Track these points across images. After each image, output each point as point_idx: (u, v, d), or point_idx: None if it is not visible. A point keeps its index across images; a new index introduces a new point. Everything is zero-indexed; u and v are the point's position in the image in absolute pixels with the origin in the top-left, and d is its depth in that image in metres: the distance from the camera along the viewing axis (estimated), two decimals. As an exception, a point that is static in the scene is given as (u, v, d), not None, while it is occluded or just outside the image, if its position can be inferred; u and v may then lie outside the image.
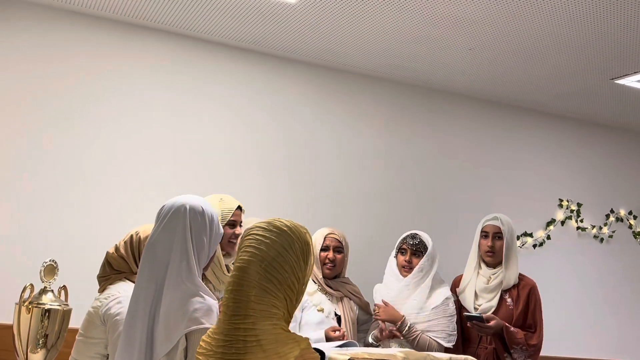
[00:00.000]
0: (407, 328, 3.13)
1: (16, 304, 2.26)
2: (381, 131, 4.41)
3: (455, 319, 3.27)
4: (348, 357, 2.17)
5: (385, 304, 3.20)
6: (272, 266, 1.65)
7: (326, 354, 2.23)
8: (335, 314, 3.06)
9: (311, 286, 3.09)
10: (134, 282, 2.30)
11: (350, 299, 3.20)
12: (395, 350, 2.39)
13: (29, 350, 2.20)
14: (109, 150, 3.67)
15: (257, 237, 1.69)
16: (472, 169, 4.63)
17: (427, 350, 3.02)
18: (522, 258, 4.53)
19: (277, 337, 1.59)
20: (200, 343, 1.68)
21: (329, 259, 3.21)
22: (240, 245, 1.72)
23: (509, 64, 3.97)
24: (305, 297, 3.00)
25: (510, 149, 4.76)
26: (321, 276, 3.15)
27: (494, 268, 3.45)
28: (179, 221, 2.00)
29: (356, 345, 2.59)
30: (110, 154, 3.67)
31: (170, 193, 3.61)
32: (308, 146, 4.20)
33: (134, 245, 2.37)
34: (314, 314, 2.99)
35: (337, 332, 2.85)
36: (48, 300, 2.26)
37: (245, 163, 4.01)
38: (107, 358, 2.29)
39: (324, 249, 3.23)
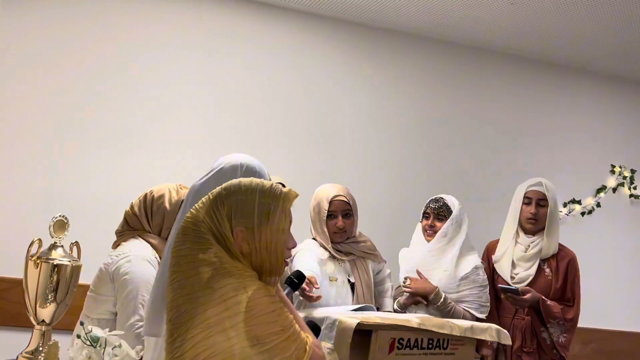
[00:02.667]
0: (442, 299, 2.99)
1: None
2: (417, 93, 4.26)
3: (487, 289, 3.12)
4: (357, 322, 2.08)
5: (419, 274, 3.05)
6: (208, 225, 1.56)
7: (337, 318, 2.14)
8: (349, 281, 2.90)
9: (322, 253, 2.89)
10: (146, 240, 2.30)
11: (364, 258, 2.99)
12: (411, 315, 2.29)
13: (37, 305, 2.20)
14: (128, 110, 3.69)
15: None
16: (515, 132, 4.45)
17: None
18: (569, 226, 4.36)
19: (225, 278, 1.49)
20: None
21: (338, 227, 2.87)
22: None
23: (554, 18, 3.72)
24: (317, 266, 2.81)
25: (557, 112, 4.53)
26: (329, 244, 2.89)
27: (533, 236, 3.29)
28: (218, 177, 1.95)
29: (373, 309, 2.49)
30: (130, 113, 3.70)
31: (189, 154, 3.65)
32: (340, 110, 4.11)
33: (147, 204, 2.38)
34: (327, 284, 2.83)
35: (310, 289, 2.50)
36: (57, 256, 2.23)
37: (275, 127, 3.97)
38: (116, 315, 2.29)
39: (331, 215, 2.88)
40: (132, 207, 2.43)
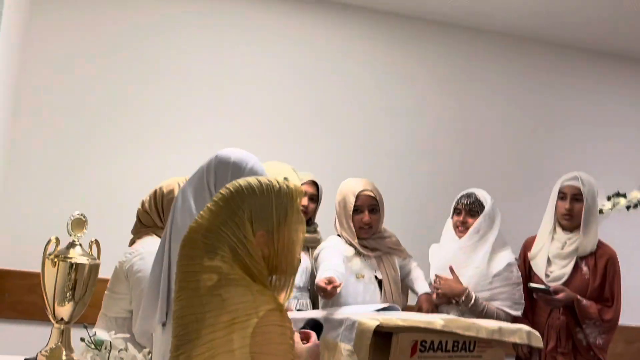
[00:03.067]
0: (472, 301, 2.88)
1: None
2: (449, 83, 4.15)
3: (521, 286, 3.01)
4: (377, 323, 2.01)
5: (452, 272, 2.95)
6: (219, 230, 1.48)
7: (357, 319, 2.08)
8: (376, 278, 2.82)
9: (347, 249, 2.81)
10: (159, 236, 2.27)
11: (390, 254, 2.90)
12: (436, 316, 2.21)
13: (56, 303, 2.19)
14: (146, 108, 3.69)
15: (221, 192, 1.53)
16: (556, 123, 4.29)
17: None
18: (614, 221, 4.18)
19: (236, 297, 1.42)
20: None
21: (364, 222, 2.80)
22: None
23: (597, 3, 3.55)
24: (341, 264, 2.70)
25: (600, 101, 4.36)
26: (355, 240, 2.81)
27: (571, 232, 3.15)
28: (204, 170, 1.98)
29: (397, 310, 2.41)
30: (148, 111, 3.69)
31: (206, 150, 3.63)
32: (365, 101, 4.04)
33: (157, 200, 2.36)
34: (354, 281, 2.76)
35: (329, 285, 2.38)
36: (76, 254, 2.22)
37: (297, 121, 3.93)
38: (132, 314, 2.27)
39: (357, 209, 2.82)
40: (142, 204, 2.40)
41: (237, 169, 1.93)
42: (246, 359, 1.37)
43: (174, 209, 1.95)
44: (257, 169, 1.95)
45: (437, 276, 2.98)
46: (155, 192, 2.38)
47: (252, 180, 1.55)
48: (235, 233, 1.47)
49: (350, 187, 2.87)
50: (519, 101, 4.26)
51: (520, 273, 3.04)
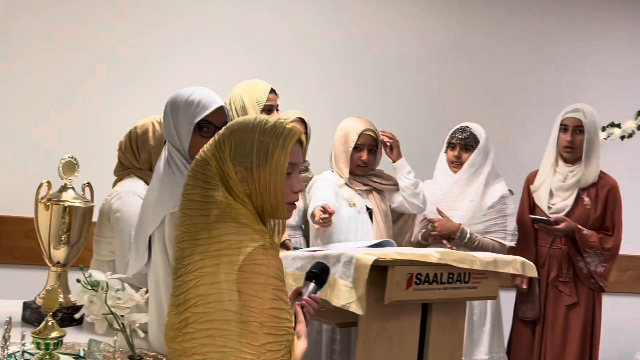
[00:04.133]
0: (468, 236, 2.92)
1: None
2: (447, 16, 4.07)
3: (514, 217, 3.04)
4: (375, 258, 2.02)
5: (441, 213, 2.97)
6: (211, 164, 1.47)
7: (354, 254, 2.08)
8: (367, 208, 2.87)
9: (339, 180, 2.88)
10: (139, 176, 2.26)
11: (381, 191, 2.94)
12: (430, 250, 2.22)
13: (51, 247, 2.19)
14: (132, 49, 3.63)
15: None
16: (552, 53, 4.21)
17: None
18: (608, 151, 4.17)
19: (228, 228, 1.42)
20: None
21: (362, 160, 2.86)
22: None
23: None
24: (336, 189, 2.82)
25: (595, 29, 4.27)
26: (347, 175, 2.87)
27: (573, 165, 3.16)
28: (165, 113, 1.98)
29: (392, 245, 2.43)
30: (141, 53, 3.63)
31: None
32: (365, 37, 3.96)
33: (132, 140, 2.34)
34: (345, 209, 2.82)
35: (323, 213, 2.48)
36: (68, 198, 2.21)
37: (293, 58, 3.86)
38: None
39: (358, 147, 2.86)
40: (120, 145, 2.38)
41: (174, 106, 1.92)
42: (232, 294, 1.36)
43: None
44: (192, 99, 1.90)
45: (429, 221, 3.00)
46: (130, 132, 2.36)
47: (249, 117, 1.53)
48: (220, 166, 1.46)
49: (354, 124, 2.90)
50: (518, 34, 4.18)
51: (514, 204, 3.07)
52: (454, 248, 2.88)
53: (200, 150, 1.52)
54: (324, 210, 2.47)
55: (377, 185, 2.93)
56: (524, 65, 4.18)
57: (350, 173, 2.88)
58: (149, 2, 3.66)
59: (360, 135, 2.85)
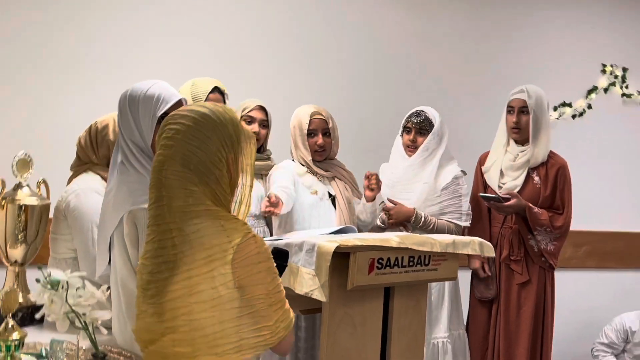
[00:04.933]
0: (422, 220, 2.97)
1: (-5, 199, 2.20)
2: (399, 6, 4.07)
3: (468, 197, 3.09)
4: (336, 245, 2.04)
5: (393, 202, 3.01)
6: (190, 162, 1.48)
7: (316, 242, 2.10)
8: (330, 195, 2.89)
9: (299, 168, 2.88)
10: (97, 173, 2.23)
11: (343, 181, 2.97)
12: (391, 234, 2.25)
13: (8, 246, 2.15)
14: (93, 39, 3.56)
15: (173, 127, 1.51)
16: (501, 34, 4.26)
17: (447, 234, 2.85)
18: (560, 130, 4.27)
19: (209, 232, 1.45)
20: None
21: (318, 145, 2.88)
22: (158, 135, 1.55)
23: None
24: (296, 178, 2.83)
25: (544, 10, 4.33)
26: (310, 158, 2.89)
27: (523, 145, 3.22)
28: (122, 105, 1.93)
29: (354, 231, 2.45)
30: (96, 42, 3.56)
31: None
32: (324, 26, 3.96)
33: (92, 135, 2.30)
34: (307, 196, 2.83)
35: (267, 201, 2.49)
36: (24, 196, 2.17)
37: (256, 45, 3.84)
38: (79, 252, 2.25)
39: (311, 133, 2.88)
40: (79, 140, 2.34)
41: (132, 100, 1.89)
42: (231, 293, 1.43)
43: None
44: (151, 93, 1.88)
45: (384, 210, 3.04)
46: (90, 127, 2.32)
47: (211, 109, 1.55)
48: (202, 160, 1.48)
49: (304, 110, 2.92)
50: (472, 18, 4.21)
51: (467, 185, 3.12)
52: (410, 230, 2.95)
53: (158, 155, 1.54)
54: (269, 199, 2.47)
55: (340, 177, 2.96)
56: (478, 48, 4.22)
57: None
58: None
59: (311, 120, 2.88)
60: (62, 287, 1.56)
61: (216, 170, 1.49)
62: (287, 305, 1.56)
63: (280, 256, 1.80)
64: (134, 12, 3.63)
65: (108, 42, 3.59)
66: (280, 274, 1.73)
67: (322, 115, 2.91)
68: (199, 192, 1.47)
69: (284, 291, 1.55)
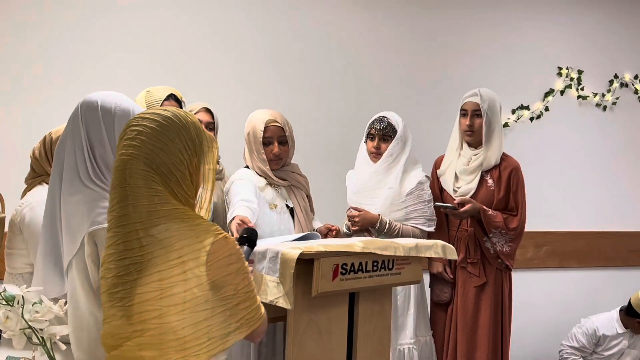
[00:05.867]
0: (387, 226, 2.98)
1: (-53, 215, 2.13)
2: (365, 7, 4.09)
3: (432, 203, 3.11)
4: (300, 252, 2.02)
5: (357, 210, 3.02)
6: (153, 162, 1.47)
7: (279, 249, 2.08)
8: (287, 207, 2.82)
9: (259, 180, 2.78)
10: None
11: (299, 188, 2.89)
12: (354, 239, 2.24)
13: (-38, 262, 2.08)
14: (47, 49, 3.51)
15: (136, 128, 1.49)
16: (457, 37, 4.31)
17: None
18: (519, 133, 4.34)
19: (178, 233, 1.45)
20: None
21: (274, 154, 2.75)
22: (119, 138, 1.53)
23: None
24: (257, 192, 2.72)
25: (500, 14, 4.40)
26: (267, 168, 2.77)
27: (476, 149, 3.24)
28: (73, 118, 1.84)
29: (317, 237, 2.44)
30: (48, 53, 3.51)
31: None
32: (274, 24, 3.96)
33: (47, 147, 2.26)
34: (268, 211, 2.74)
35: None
36: (-23, 210, 2.11)
37: (218, 50, 3.80)
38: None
39: (267, 142, 2.75)
40: (33, 151, 2.29)
41: (106, 112, 1.82)
42: (205, 294, 1.43)
43: (60, 164, 1.82)
44: (126, 107, 1.83)
45: (349, 217, 3.04)
46: (44, 138, 2.28)
47: (174, 112, 1.56)
48: (167, 162, 1.49)
49: (259, 117, 2.79)
50: (434, 25, 4.25)
51: (430, 190, 3.14)
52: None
53: (122, 154, 1.52)
54: (242, 222, 2.37)
55: (296, 183, 2.88)
56: (438, 53, 4.27)
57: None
58: (56, 5, 3.52)
59: (266, 128, 2.75)
60: (18, 303, 1.51)
61: (177, 172, 1.49)
62: (259, 301, 1.57)
63: (252, 234, 2.01)
64: (89, 27, 3.58)
65: (61, 54, 3.53)
66: (252, 249, 2.01)
67: (277, 122, 2.77)
68: (163, 192, 1.47)
69: (255, 289, 1.57)
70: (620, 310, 3.96)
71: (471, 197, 3.17)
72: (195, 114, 2.86)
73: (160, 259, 1.43)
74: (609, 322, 3.96)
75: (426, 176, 3.15)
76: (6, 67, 3.44)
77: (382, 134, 3.05)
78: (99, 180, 1.77)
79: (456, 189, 3.23)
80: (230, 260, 1.50)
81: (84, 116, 1.82)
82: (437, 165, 3.38)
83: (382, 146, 3.05)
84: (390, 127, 3.05)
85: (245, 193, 2.63)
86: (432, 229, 3.10)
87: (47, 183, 2.19)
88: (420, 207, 3.06)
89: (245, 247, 1.98)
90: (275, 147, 2.76)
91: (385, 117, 3.09)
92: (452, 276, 3.20)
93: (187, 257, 1.44)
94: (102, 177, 1.78)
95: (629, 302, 3.89)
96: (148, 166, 1.47)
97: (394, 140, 3.04)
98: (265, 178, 2.79)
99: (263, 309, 1.58)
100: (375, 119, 3.10)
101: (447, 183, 3.26)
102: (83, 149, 1.78)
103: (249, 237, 2.01)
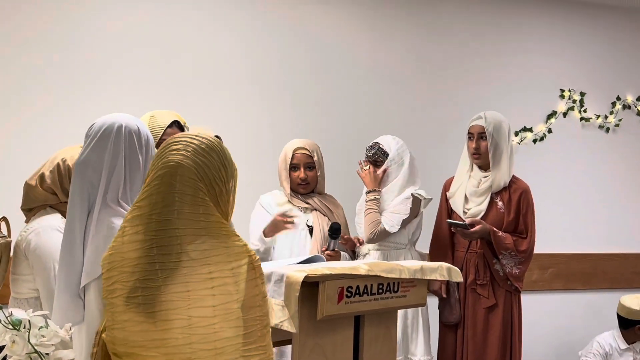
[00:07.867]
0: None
1: (-48, 239, 2.14)
2: (362, 26, 4.13)
3: (406, 217, 3.09)
4: (305, 275, 2.03)
5: (359, 240, 3.12)
6: (199, 173, 1.53)
7: (284, 272, 2.08)
8: (308, 225, 2.95)
9: (281, 198, 3.01)
10: (58, 210, 2.18)
11: (325, 215, 3.03)
12: (359, 262, 2.25)
13: (-33, 286, 2.09)
14: (43, 74, 3.52)
15: (181, 143, 1.56)
16: (461, 61, 4.34)
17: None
18: (522, 155, 4.35)
19: (214, 249, 1.48)
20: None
21: (300, 178, 3.01)
22: (162, 150, 1.57)
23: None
24: (274, 209, 2.95)
25: (502, 37, 4.43)
26: (289, 191, 3.02)
27: (486, 171, 3.26)
28: (112, 140, 1.80)
29: (322, 260, 2.44)
30: (45, 76, 3.53)
31: (93, 115, 3.50)
32: (286, 50, 3.98)
33: (63, 174, 2.21)
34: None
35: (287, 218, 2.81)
36: (-18, 234, 2.12)
37: (238, 78, 3.87)
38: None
39: (293, 167, 3.03)
40: (41, 180, 2.22)
41: (143, 139, 1.84)
42: (237, 311, 1.46)
43: (85, 185, 1.77)
44: (151, 136, 1.90)
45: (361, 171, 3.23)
46: (58, 165, 2.21)
47: (208, 138, 1.62)
48: (209, 176, 1.54)
49: (290, 144, 3.08)
50: (439, 46, 4.28)
51: (414, 205, 3.13)
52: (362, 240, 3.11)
53: (171, 160, 1.56)
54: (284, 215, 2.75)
55: (320, 209, 3.03)
56: (443, 75, 4.29)
57: (293, 191, 3.03)
58: (56, 22, 3.56)
59: (293, 155, 3.00)
60: (24, 327, 1.51)
61: (217, 187, 1.54)
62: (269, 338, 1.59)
63: (337, 228, 2.73)
64: (92, 45, 3.61)
65: (62, 80, 3.56)
66: (337, 239, 2.75)
67: (306, 149, 3.02)
68: (209, 203, 1.51)
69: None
70: (619, 326, 3.91)
71: (481, 219, 3.17)
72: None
73: (190, 270, 1.44)
74: (611, 335, 3.92)
75: (419, 194, 3.15)
76: (4, 95, 3.45)
77: (373, 160, 3.19)
78: (126, 203, 1.78)
79: (466, 210, 3.24)
80: (258, 282, 1.54)
81: (126, 138, 1.81)
82: (446, 187, 3.40)
83: (376, 171, 3.17)
84: (380, 152, 3.16)
85: (260, 225, 2.92)
86: (392, 230, 3.07)
87: (55, 208, 2.20)
88: (399, 208, 3.09)
89: (333, 241, 2.78)
90: (302, 173, 3.01)
91: (377, 142, 3.20)
92: (444, 295, 3.19)
93: (217, 274, 1.46)
94: (129, 202, 1.78)
95: (618, 316, 3.83)
96: (196, 175, 1.52)
97: (385, 163, 3.15)
98: (288, 199, 3.03)
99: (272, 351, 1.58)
100: (368, 146, 3.23)
101: (457, 205, 3.27)
102: (119, 172, 1.77)
103: (335, 230, 2.73)
